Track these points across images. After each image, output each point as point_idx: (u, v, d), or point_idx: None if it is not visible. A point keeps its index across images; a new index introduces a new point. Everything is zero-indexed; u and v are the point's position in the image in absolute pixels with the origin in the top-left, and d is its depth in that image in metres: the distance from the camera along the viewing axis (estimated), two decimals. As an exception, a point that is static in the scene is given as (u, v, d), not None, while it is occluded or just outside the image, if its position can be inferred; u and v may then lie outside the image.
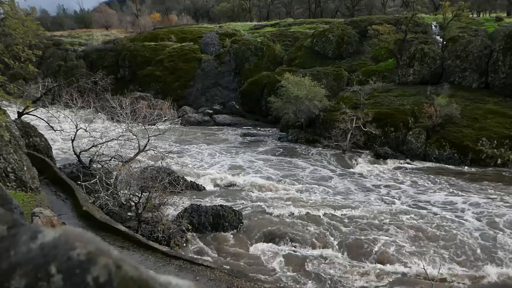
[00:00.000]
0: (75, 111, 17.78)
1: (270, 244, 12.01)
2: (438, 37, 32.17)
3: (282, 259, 11.15)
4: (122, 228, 10.42)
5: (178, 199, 13.05)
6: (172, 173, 15.78)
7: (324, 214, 14.18)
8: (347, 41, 34.67)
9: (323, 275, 10.41)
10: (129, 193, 12.23)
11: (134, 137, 16.10)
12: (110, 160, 15.20)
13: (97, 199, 12.10)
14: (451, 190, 17.29)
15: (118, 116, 17.40)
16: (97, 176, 12.91)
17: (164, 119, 18.21)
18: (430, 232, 12.91)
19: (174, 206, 12.58)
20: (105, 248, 0.64)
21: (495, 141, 21.03)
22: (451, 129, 22.22)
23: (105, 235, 9.99)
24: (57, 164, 16.81)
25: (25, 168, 11.55)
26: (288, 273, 10.46)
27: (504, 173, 19.68)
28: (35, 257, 0.63)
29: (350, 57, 34.28)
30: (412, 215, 14.23)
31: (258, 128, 31.79)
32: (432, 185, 18.05)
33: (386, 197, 16.43)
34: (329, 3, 68.58)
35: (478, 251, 11.70)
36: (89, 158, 15.58)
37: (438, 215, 14.27)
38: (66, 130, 17.42)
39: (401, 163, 21.60)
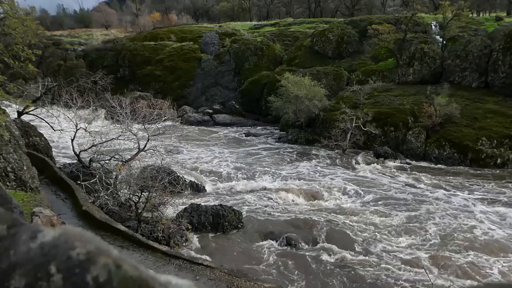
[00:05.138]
0: (75, 110, 17.77)
1: (270, 243, 12.02)
2: (438, 37, 32.19)
3: (283, 258, 11.15)
4: (122, 227, 10.41)
5: (178, 198, 13.05)
6: (172, 172, 15.78)
7: (324, 213, 14.20)
8: (347, 40, 34.67)
9: (323, 273, 10.41)
10: (129, 192, 12.23)
11: (134, 136, 16.09)
12: (110, 159, 15.19)
13: (97, 198, 12.09)
14: (451, 189, 17.31)
15: (118, 116, 17.39)
16: (97, 176, 12.91)
17: (164, 118, 18.18)
18: (430, 231, 12.92)
19: (174, 206, 12.58)
20: (104, 248, 0.64)
21: (495, 141, 21.03)
22: (451, 129, 22.22)
23: (105, 234, 9.99)
24: (57, 163, 16.81)
25: (25, 168, 11.55)
26: (289, 272, 10.46)
27: (504, 173, 19.69)
28: (35, 256, 0.63)
29: (350, 56, 34.29)
30: (412, 214, 14.24)
31: (258, 127, 31.80)
32: (431, 184, 18.06)
33: (386, 197, 16.43)
34: (328, 2, 68.55)
35: (479, 250, 11.71)
36: (89, 158, 15.57)
37: (438, 215, 14.28)
38: (66, 130, 17.42)
39: (400, 163, 21.61)
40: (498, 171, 19.98)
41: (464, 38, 28.18)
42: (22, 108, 18.82)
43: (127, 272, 0.62)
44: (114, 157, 15.15)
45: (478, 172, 19.90)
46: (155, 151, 16.15)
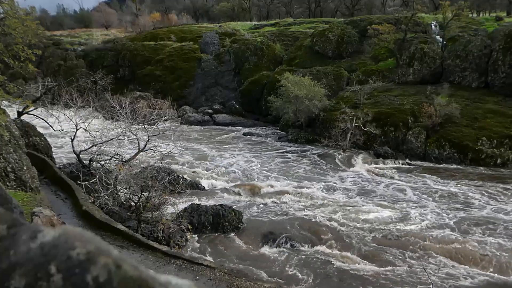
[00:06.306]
0: (75, 110, 17.77)
1: (270, 243, 12.02)
2: (438, 37, 32.20)
3: (282, 258, 11.15)
4: (122, 227, 10.41)
5: (178, 198, 13.04)
6: (172, 172, 15.78)
7: (323, 213, 14.19)
8: (347, 40, 34.67)
9: (323, 273, 10.41)
10: (129, 192, 12.23)
11: (134, 136, 16.10)
12: (110, 159, 15.20)
13: (97, 198, 12.09)
14: (451, 189, 17.30)
15: (118, 116, 17.40)
16: (97, 176, 12.91)
17: (164, 118, 18.20)
18: (429, 231, 12.91)
19: (174, 206, 12.58)
20: (104, 248, 0.64)
21: (495, 141, 21.04)
22: (451, 129, 22.22)
23: (105, 234, 9.99)
24: (57, 163, 16.81)
25: (25, 168, 11.55)
26: (288, 272, 10.46)
27: (504, 173, 19.68)
28: (35, 256, 0.63)
29: (350, 56, 34.29)
30: (412, 215, 14.23)
31: (258, 127, 31.79)
32: (431, 185, 18.05)
33: (385, 197, 16.43)
34: (328, 2, 68.54)
35: (480, 251, 11.70)
36: (89, 158, 15.58)
37: (438, 215, 14.27)
38: (66, 130, 17.42)
39: (400, 163, 21.61)
40: (497, 170, 19.95)
41: (464, 38, 28.18)
42: (22, 108, 18.82)
43: (127, 272, 0.62)
44: (114, 157, 15.16)
45: (478, 172, 19.87)
46: (155, 151, 16.17)
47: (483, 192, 16.92)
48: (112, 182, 12.67)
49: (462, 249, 11.59)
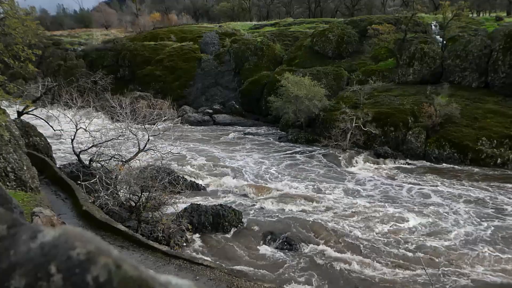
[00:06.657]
0: (75, 110, 17.78)
1: (270, 243, 12.02)
2: (438, 37, 32.19)
3: (282, 258, 11.15)
4: (122, 227, 10.41)
5: (178, 198, 13.04)
6: (172, 172, 15.78)
7: (324, 213, 14.19)
8: (347, 40, 34.66)
9: (323, 273, 10.41)
10: (129, 192, 12.23)
11: (134, 136, 16.10)
12: (110, 159, 15.20)
13: (97, 198, 12.09)
14: (450, 189, 17.29)
15: (118, 116, 17.39)
16: (97, 176, 12.91)
17: (164, 118, 18.19)
18: (428, 231, 12.92)
19: (174, 206, 12.57)
20: (105, 248, 0.64)
21: (495, 141, 21.03)
22: (451, 129, 22.22)
23: (105, 234, 9.99)
24: (57, 163, 16.81)
25: (25, 168, 11.55)
26: (289, 272, 10.46)
27: (508, 173, 19.66)
28: (35, 256, 0.63)
29: (350, 56, 34.27)
30: (412, 215, 14.23)
31: (258, 127, 31.77)
32: (431, 184, 18.05)
33: (386, 197, 16.43)
34: (328, 2, 68.53)
35: (477, 251, 11.71)
36: (89, 158, 15.58)
37: (438, 215, 14.27)
38: (66, 130, 17.42)
39: (400, 163, 21.60)
40: (497, 170, 19.93)
41: (464, 38, 28.18)
42: (22, 108, 18.83)
43: (127, 272, 0.62)
44: (114, 157, 15.16)
45: (478, 172, 19.86)
46: (155, 151, 16.17)
47: (508, 196, 16.35)
48: (112, 182, 12.67)
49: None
